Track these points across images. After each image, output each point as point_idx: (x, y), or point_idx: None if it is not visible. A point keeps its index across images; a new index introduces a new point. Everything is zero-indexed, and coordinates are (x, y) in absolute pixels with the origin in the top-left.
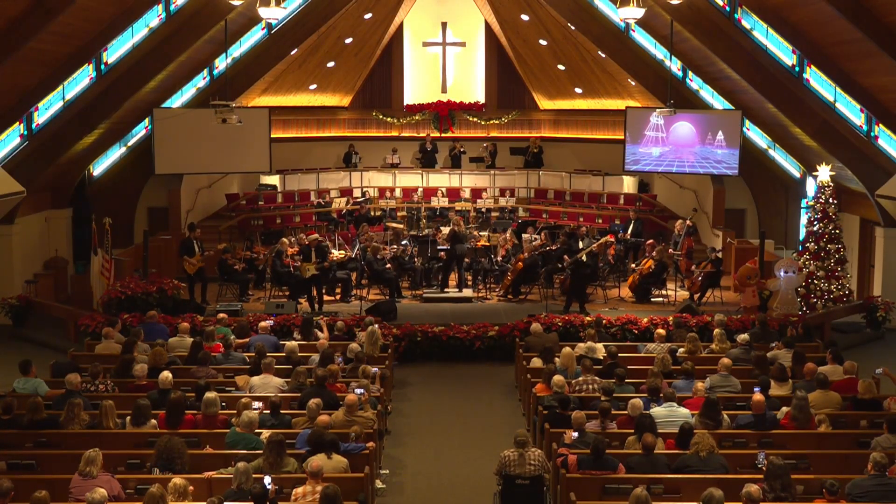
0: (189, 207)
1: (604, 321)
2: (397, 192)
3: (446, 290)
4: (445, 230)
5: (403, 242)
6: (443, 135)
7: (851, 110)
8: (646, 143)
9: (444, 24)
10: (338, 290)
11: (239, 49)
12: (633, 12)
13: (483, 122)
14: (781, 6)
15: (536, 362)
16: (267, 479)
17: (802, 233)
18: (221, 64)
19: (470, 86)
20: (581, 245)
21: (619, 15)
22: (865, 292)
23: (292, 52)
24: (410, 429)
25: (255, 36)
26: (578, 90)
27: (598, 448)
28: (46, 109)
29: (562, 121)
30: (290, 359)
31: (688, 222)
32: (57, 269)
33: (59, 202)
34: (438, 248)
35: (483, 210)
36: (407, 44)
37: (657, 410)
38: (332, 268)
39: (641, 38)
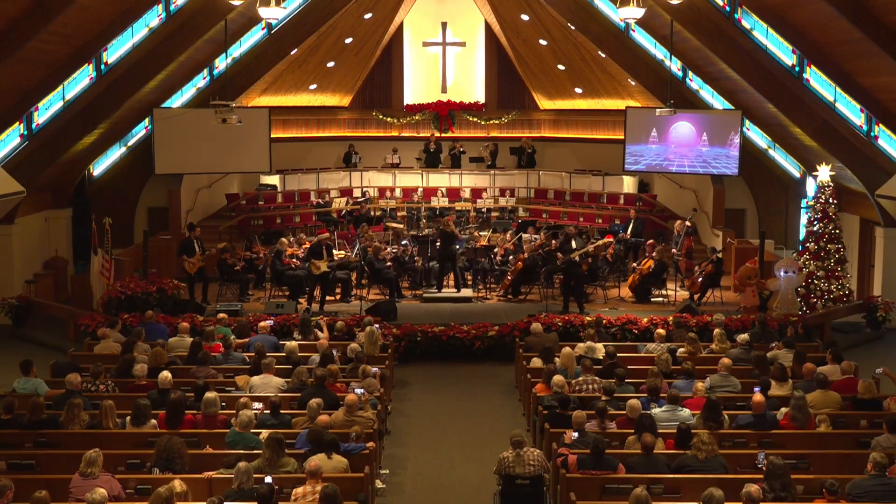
0: (189, 207)
1: (604, 321)
2: (397, 192)
3: (442, 290)
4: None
5: (403, 242)
6: (443, 135)
7: (851, 110)
8: (644, 143)
9: (444, 24)
10: (338, 290)
11: (239, 49)
12: (633, 12)
13: (483, 122)
14: (781, 6)
15: (536, 362)
16: (268, 480)
17: (802, 233)
18: (221, 64)
19: (470, 86)
20: (573, 245)
21: (619, 15)
22: (865, 292)
23: (292, 52)
24: (410, 429)
25: (255, 36)
26: (578, 90)
27: (598, 448)
28: (46, 109)
29: (562, 121)
30: (290, 359)
31: (687, 223)
32: (57, 269)
33: (59, 202)
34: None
35: (483, 210)
36: (407, 44)
37: (659, 413)
38: (332, 268)
39: (641, 38)
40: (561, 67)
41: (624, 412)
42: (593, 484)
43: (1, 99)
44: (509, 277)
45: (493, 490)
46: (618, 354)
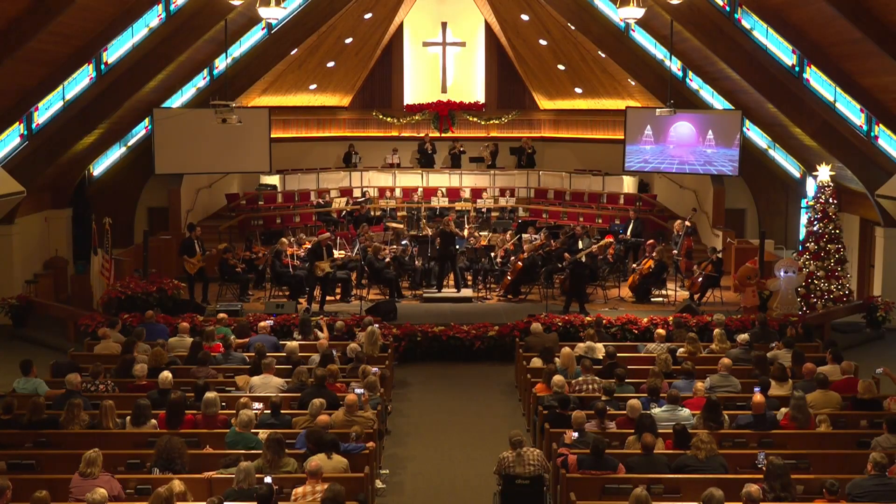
0: (189, 207)
1: (604, 321)
2: (397, 192)
3: (442, 290)
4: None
5: (403, 242)
6: (443, 135)
7: (851, 110)
8: (644, 143)
9: (444, 24)
10: (338, 290)
11: (239, 49)
12: (633, 12)
13: (483, 122)
14: (781, 6)
15: (536, 362)
16: (267, 480)
17: (802, 233)
18: (221, 64)
19: (470, 86)
20: (580, 245)
21: (619, 15)
22: (865, 292)
23: (292, 52)
24: (410, 429)
25: (255, 36)
26: (578, 90)
27: (598, 448)
28: (46, 109)
29: (562, 121)
30: (290, 359)
31: (687, 223)
32: (57, 269)
33: (59, 202)
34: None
35: (483, 210)
36: (407, 44)
37: (659, 413)
38: (334, 268)
39: (641, 38)
40: (561, 67)
41: (624, 412)
42: (593, 484)
43: (1, 99)
44: (509, 277)
45: (493, 490)
46: (618, 354)
